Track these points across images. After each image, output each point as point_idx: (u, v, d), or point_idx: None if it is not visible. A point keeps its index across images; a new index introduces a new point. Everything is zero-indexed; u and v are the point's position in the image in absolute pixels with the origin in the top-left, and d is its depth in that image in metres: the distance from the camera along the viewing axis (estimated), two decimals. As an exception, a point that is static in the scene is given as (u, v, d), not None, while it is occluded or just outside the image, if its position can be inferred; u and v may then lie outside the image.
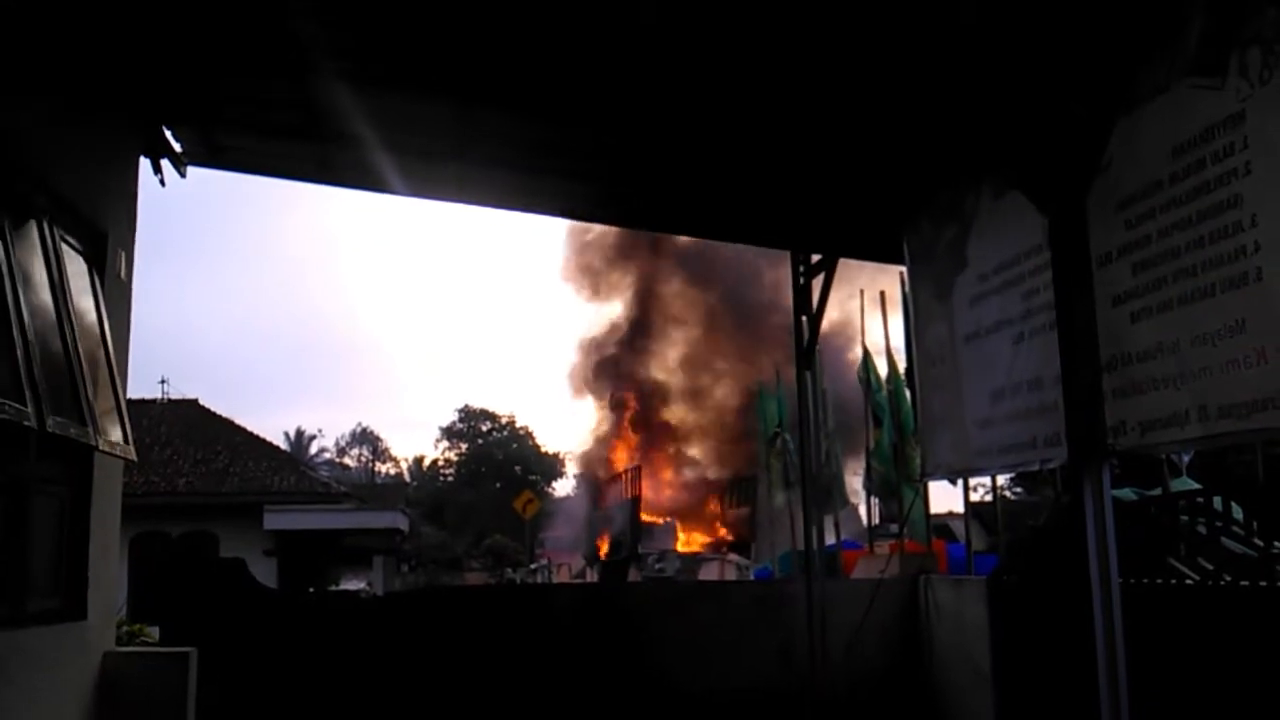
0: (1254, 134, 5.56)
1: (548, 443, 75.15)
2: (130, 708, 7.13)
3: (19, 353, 5.56)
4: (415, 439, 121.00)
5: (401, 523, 29.52)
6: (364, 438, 79.01)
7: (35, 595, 6.42)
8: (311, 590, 18.81)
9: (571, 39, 6.97)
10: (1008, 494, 31.69)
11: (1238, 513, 7.86)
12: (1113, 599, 6.12)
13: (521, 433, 73.65)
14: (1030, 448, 7.62)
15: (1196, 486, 8.54)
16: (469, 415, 73.86)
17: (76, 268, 6.96)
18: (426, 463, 76.12)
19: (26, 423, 5.47)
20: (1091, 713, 6.38)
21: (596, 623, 10.52)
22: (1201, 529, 7.59)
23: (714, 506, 33.99)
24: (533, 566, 39.85)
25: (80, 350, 6.51)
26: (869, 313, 14.89)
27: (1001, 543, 11.93)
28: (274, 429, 72.87)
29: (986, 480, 12.40)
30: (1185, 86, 5.98)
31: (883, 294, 14.32)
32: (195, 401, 31.62)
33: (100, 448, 6.58)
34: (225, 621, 9.12)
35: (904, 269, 10.23)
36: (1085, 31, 6.30)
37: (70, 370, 6.32)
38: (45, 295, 6.26)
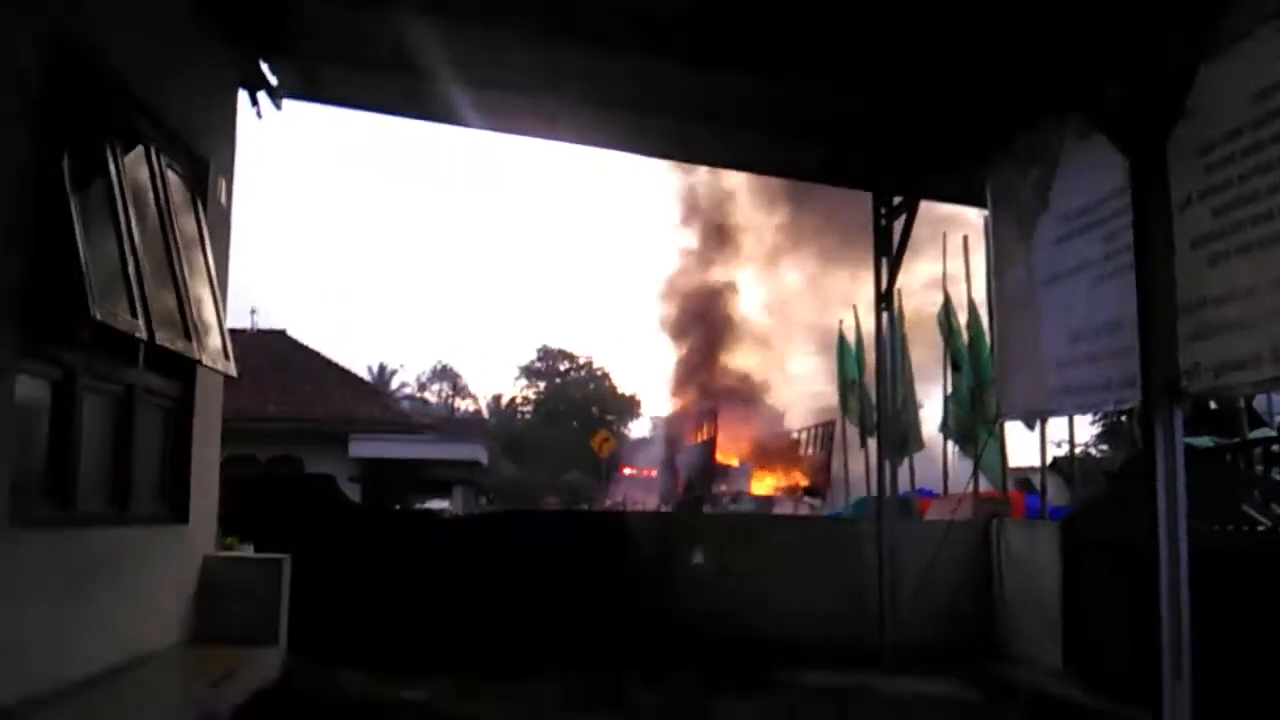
0: (1340, 77, 5.49)
1: (625, 384, 75.50)
2: (228, 606, 7.59)
3: (130, 270, 5.89)
4: (494, 377, 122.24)
5: (481, 455, 30.09)
6: (444, 374, 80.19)
7: (143, 499, 6.86)
8: (397, 507, 19.41)
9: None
10: (1093, 451, 31.24)
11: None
12: (1179, 538, 6.17)
13: (599, 374, 74.20)
14: (1105, 389, 7.64)
15: (1274, 434, 8.46)
16: (548, 355, 74.55)
17: (181, 193, 7.31)
18: (505, 400, 77.18)
19: (137, 334, 5.81)
20: (1156, 654, 6.45)
21: (671, 543, 10.79)
22: (1277, 475, 7.56)
23: (791, 452, 34.02)
24: (609, 504, 40.37)
25: (185, 270, 6.86)
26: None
27: (1078, 497, 11.88)
28: (358, 362, 74.22)
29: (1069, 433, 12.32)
30: (1270, 31, 5.91)
31: (965, 238, 14.20)
32: (283, 332, 32.34)
33: (204, 362, 6.94)
34: (316, 531, 9.54)
35: (986, 212, 10.18)
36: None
37: (176, 288, 6.67)
38: (153, 218, 6.60)
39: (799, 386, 41.09)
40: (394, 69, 8.99)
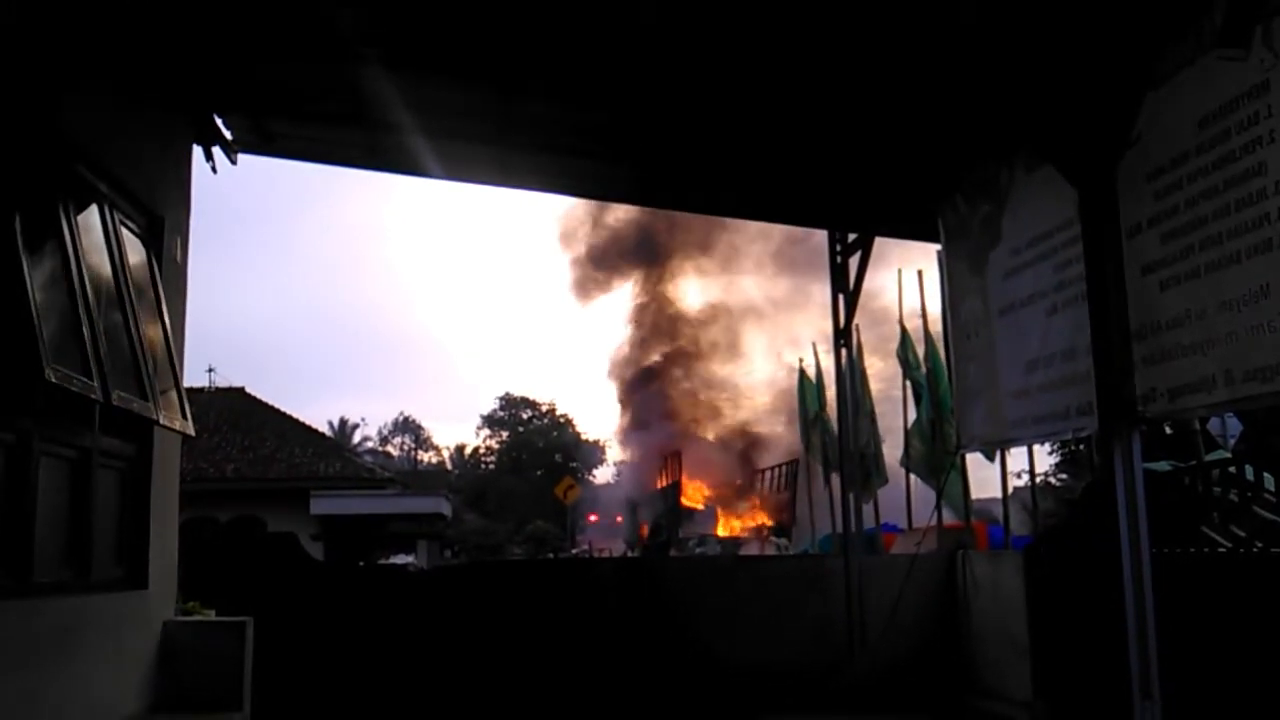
0: (1277, 103, 5.65)
1: (589, 430, 75.35)
2: (189, 672, 7.43)
3: (85, 330, 5.81)
4: (457, 428, 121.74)
5: (445, 508, 29.90)
6: (406, 426, 79.76)
7: (100, 564, 6.70)
8: (361, 564, 19.19)
9: (608, 25, 7.14)
10: (1053, 480, 31.55)
11: (1270, 484, 7.93)
12: (1142, 560, 6.24)
13: (562, 420, 73.98)
14: (1063, 417, 7.72)
15: (1229, 456, 8.60)
16: (510, 403, 74.28)
17: (135, 251, 7.23)
18: (468, 451, 76.75)
19: (93, 396, 5.72)
20: (1125, 679, 6.49)
21: (637, 592, 10.70)
22: (1234, 497, 7.67)
23: (755, 492, 34.08)
24: (574, 552, 40.19)
25: (140, 329, 6.78)
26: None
27: (1040, 525, 11.97)
28: (318, 417, 73.49)
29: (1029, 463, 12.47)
30: (1211, 59, 6.07)
31: (920, 273, 14.38)
32: (242, 390, 32.04)
33: (161, 422, 6.84)
34: (279, 592, 9.40)
35: (940, 246, 10.32)
36: (1114, 6, 6.40)
37: (132, 348, 6.58)
38: (107, 276, 6.53)
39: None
40: (350, 122, 8.99)
